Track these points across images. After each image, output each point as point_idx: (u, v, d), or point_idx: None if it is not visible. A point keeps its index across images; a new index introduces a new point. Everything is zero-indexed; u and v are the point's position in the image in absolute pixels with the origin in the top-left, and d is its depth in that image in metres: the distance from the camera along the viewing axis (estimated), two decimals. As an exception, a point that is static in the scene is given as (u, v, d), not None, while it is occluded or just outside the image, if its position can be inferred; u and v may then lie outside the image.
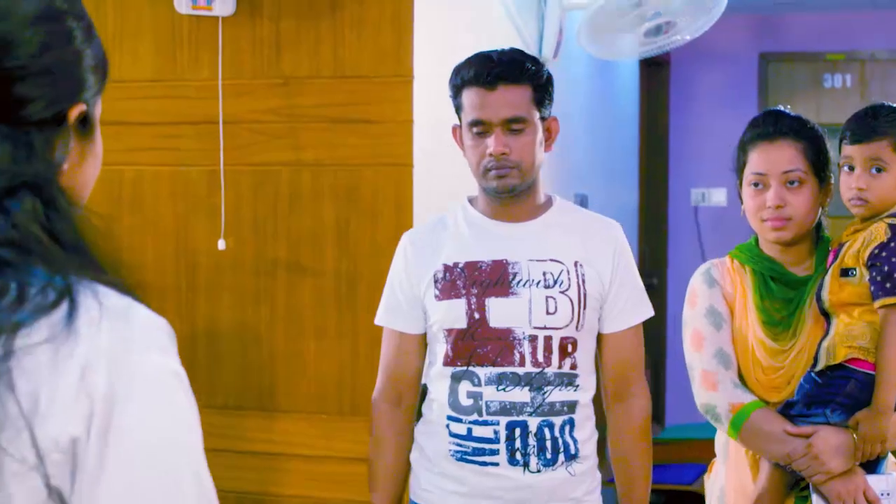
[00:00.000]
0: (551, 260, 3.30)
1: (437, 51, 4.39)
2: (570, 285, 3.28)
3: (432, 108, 4.31)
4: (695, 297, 3.45)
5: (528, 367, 3.25)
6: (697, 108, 9.46)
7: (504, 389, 3.24)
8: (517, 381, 3.24)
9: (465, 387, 3.29)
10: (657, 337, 8.66)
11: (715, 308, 3.40)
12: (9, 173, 1.37)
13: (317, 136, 4.30)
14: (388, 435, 3.47)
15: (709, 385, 3.35)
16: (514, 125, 3.24)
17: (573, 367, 3.29)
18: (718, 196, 9.23)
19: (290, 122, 4.32)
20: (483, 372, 3.26)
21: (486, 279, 3.28)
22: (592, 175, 7.14)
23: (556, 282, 3.28)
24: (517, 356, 3.25)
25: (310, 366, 4.34)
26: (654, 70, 9.14)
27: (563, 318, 3.26)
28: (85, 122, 1.48)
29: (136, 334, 1.40)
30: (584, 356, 3.32)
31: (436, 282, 3.33)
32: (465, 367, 3.29)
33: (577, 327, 3.28)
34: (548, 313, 3.25)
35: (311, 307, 4.32)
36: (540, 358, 3.25)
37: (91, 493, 1.30)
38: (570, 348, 3.28)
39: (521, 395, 3.24)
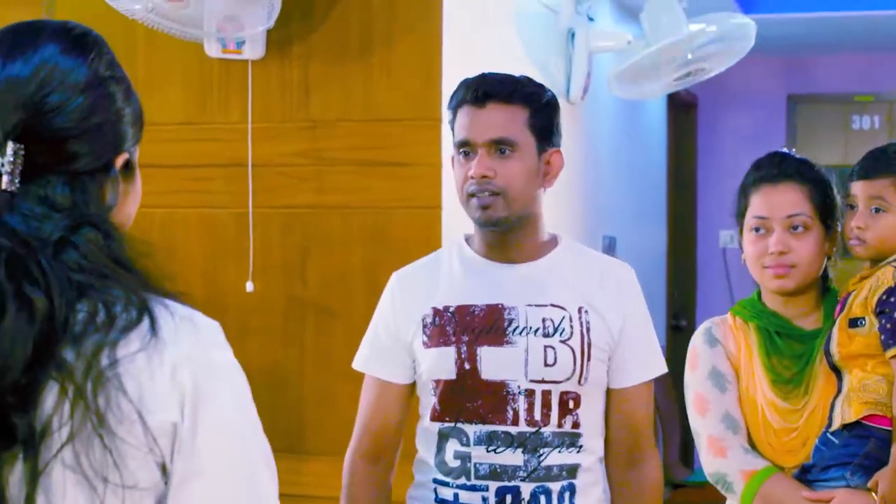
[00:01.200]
0: (552, 305, 2.96)
1: (465, 94, 4.39)
2: (572, 334, 2.93)
3: (461, 151, 4.31)
4: (696, 359, 3.21)
5: (522, 426, 2.90)
6: (725, 149, 9.46)
7: (495, 451, 2.90)
8: (509, 441, 2.90)
9: (452, 445, 2.95)
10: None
11: (718, 369, 3.17)
12: (72, 214, 1.67)
13: (345, 179, 4.31)
14: (362, 496, 3.13)
15: (717, 451, 3.11)
16: (501, 146, 2.90)
17: (575, 425, 2.94)
18: (747, 238, 9.20)
19: (318, 164, 4.34)
20: (472, 430, 2.92)
21: (479, 326, 2.94)
22: (620, 217, 7.14)
23: (556, 330, 2.93)
24: (510, 413, 2.91)
25: (339, 408, 4.34)
26: (682, 112, 9.14)
27: (564, 371, 2.92)
28: (127, 166, 1.81)
29: (203, 336, 1.72)
30: (590, 414, 2.98)
31: (424, 327, 3.00)
32: (452, 424, 2.95)
33: (579, 381, 2.94)
34: (546, 365, 2.91)
35: (340, 349, 4.32)
36: (536, 415, 2.91)
37: (187, 463, 1.64)
38: (571, 404, 2.94)
39: (513, 457, 2.90)
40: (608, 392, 3.04)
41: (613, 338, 2.98)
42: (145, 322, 1.64)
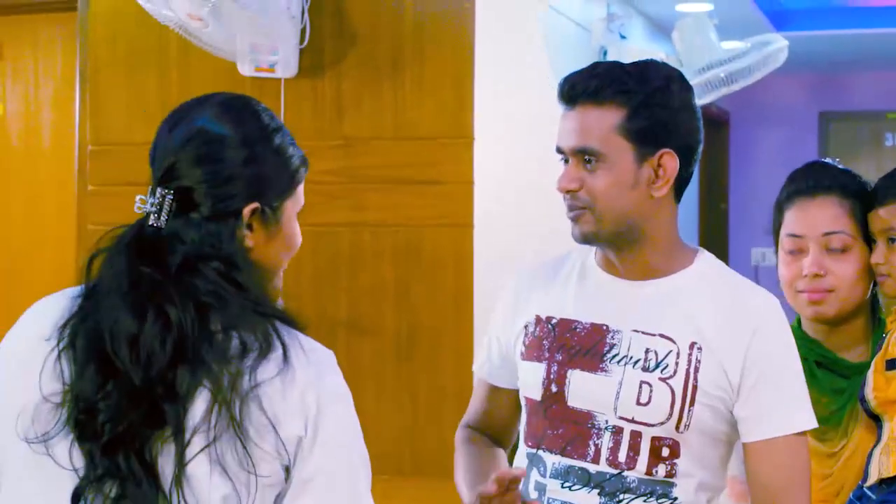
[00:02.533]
0: (661, 336, 2.52)
1: (497, 112, 4.40)
2: (675, 372, 2.49)
3: (493, 169, 4.32)
4: None
5: (603, 466, 2.51)
6: (757, 167, 9.44)
7: (570, 488, 2.54)
8: (585, 479, 2.53)
9: (534, 475, 2.61)
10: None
11: None
12: (198, 248, 2.04)
13: (377, 197, 4.31)
14: (470, 441, 2.84)
15: (738, 496, 2.76)
16: (585, 156, 2.50)
17: (670, 475, 2.50)
18: (779, 256, 9.19)
19: (351, 182, 4.34)
20: (551, 460, 2.57)
21: (577, 345, 2.57)
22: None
23: (657, 365, 2.50)
24: (591, 449, 2.53)
25: (370, 426, 4.29)
26: (714, 129, 9.13)
27: (657, 413, 2.49)
28: (264, 214, 2.13)
29: (323, 363, 2.12)
30: (695, 465, 2.52)
31: (525, 336, 2.66)
32: (535, 450, 2.61)
33: (677, 427, 2.48)
34: (639, 403, 2.50)
35: (371, 366, 4.32)
36: (620, 457, 2.50)
37: (307, 467, 2.01)
38: (665, 452, 2.50)
39: (587, 498, 2.53)
40: (744, 448, 2.55)
41: (731, 383, 2.50)
42: (279, 350, 2.03)
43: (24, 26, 5.30)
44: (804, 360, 2.64)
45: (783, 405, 2.50)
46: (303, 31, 4.33)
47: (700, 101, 5.71)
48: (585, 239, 2.55)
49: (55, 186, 5.16)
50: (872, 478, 2.58)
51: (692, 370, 2.49)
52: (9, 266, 5.12)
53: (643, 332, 2.53)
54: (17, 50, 5.33)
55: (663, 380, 2.49)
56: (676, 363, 2.49)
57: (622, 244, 2.55)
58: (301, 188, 2.26)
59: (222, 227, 2.08)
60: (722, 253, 9.31)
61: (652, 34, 6.82)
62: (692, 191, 8.60)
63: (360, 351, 4.34)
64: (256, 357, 2.00)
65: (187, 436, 1.95)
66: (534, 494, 2.59)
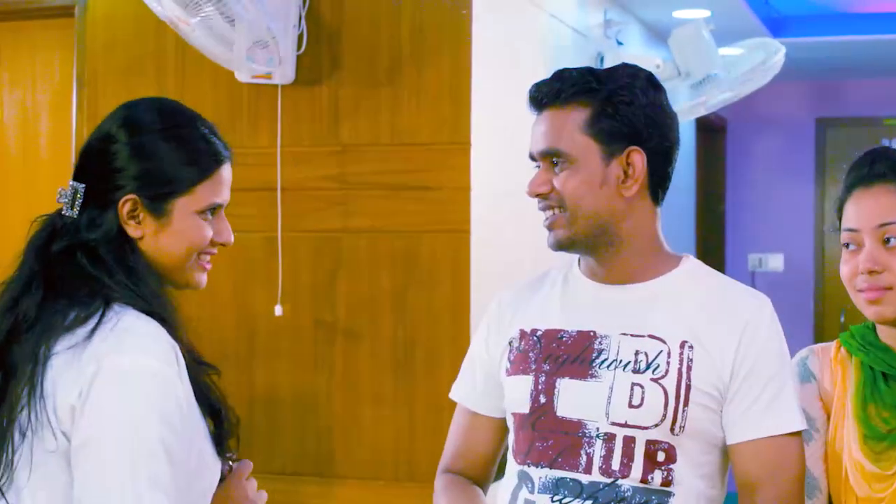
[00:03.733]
0: (650, 336, 2.44)
1: (494, 118, 4.41)
2: (667, 372, 2.41)
3: (490, 175, 4.32)
4: None
5: (595, 476, 2.40)
6: (754, 173, 9.45)
7: (560, 501, 2.42)
8: (577, 491, 2.41)
9: (522, 493, 2.49)
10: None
11: (805, 412, 2.49)
12: (74, 237, 2.22)
13: (374, 203, 4.32)
14: (451, 488, 2.68)
15: None
16: (552, 158, 2.48)
17: (666, 483, 2.39)
18: (776, 262, 9.20)
19: (347, 188, 4.34)
20: (538, 475, 2.45)
21: (565, 354, 2.48)
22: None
23: (649, 365, 2.42)
24: (583, 459, 2.42)
25: (367, 432, 4.34)
26: (711, 135, 9.13)
27: (651, 415, 2.39)
28: (150, 206, 2.22)
29: (129, 343, 2.09)
30: (692, 473, 2.42)
31: (510, 352, 2.58)
32: (522, 466, 2.49)
33: (672, 429, 2.39)
34: (631, 406, 2.40)
35: (369, 373, 4.33)
36: (614, 465, 2.40)
37: (76, 435, 2.06)
38: (660, 457, 2.40)
39: None
40: (729, 450, 2.46)
41: (724, 382, 2.42)
42: (90, 326, 2.10)
43: (22, 33, 5.30)
44: (869, 368, 2.50)
45: (769, 406, 2.42)
46: (300, 38, 4.34)
47: (699, 114, 5.75)
48: (560, 245, 2.50)
49: (53, 193, 5.13)
50: None
51: (685, 369, 2.41)
52: (7, 273, 5.10)
53: (632, 335, 2.46)
54: (14, 56, 5.33)
55: (655, 380, 2.41)
56: (668, 363, 2.41)
57: (599, 248, 2.50)
58: (211, 185, 2.28)
59: (101, 217, 2.21)
60: (719, 258, 9.32)
61: (649, 40, 6.83)
62: (689, 197, 8.60)
63: (357, 358, 4.34)
64: (65, 329, 2.12)
65: (5, 402, 2.13)
66: None
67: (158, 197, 2.22)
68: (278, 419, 4.43)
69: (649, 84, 2.51)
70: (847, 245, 2.51)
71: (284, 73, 4.31)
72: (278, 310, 4.37)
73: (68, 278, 2.18)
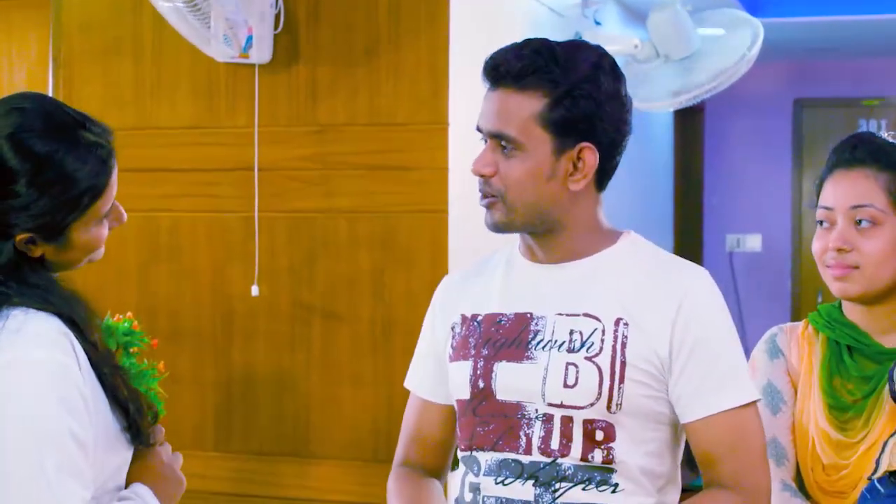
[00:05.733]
0: (585, 315, 2.40)
1: (472, 98, 4.39)
2: (601, 350, 2.37)
3: (468, 155, 4.29)
4: (753, 371, 2.67)
5: (535, 456, 2.39)
6: (732, 154, 9.47)
7: (503, 483, 2.41)
8: (519, 471, 2.40)
9: (468, 477, 2.48)
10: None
11: (774, 386, 2.65)
12: None
13: (352, 183, 4.31)
14: (404, 484, 2.65)
15: None
16: (501, 141, 2.41)
17: (607, 461, 2.37)
18: (753, 242, 9.22)
19: (325, 169, 4.34)
20: (484, 458, 2.44)
21: (503, 337, 2.45)
22: (626, 222, 7.09)
23: (583, 344, 2.38)
24: (522, 440, 2.40)
25: (345, 412, 4.34)
26: (689, 117, 9.14)
27: (586, 394, 2.36)
28: (54, 238, 2.20)
29: (18, 338, 2.09)
30: (634, 450, 2.39)
31: (453, 338, 2.56)
32: (468, 452, 2.48)
33: (609, 407, 2.36)
34: (566, 386, 2.37)
35: (347, 354, 4.33)
36: (553, 444, 2.38)
37: None
38: (599, 436, 2.37)
39: (522, 490, 2.40)
40: (686, 429, 2.43)
41: (660, 358, 2.38)
42: None
43: (-3, 13, 5.28)
44: (835, 343, 2.63)
45: (718, 380, 2.37)
46: (277, 17, 4.33)
47: (681, 106, 5.74)
48: (497, 228, 2.45)
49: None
50: (882, 469, 2.44)
51: (619, 346, 2.37)
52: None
53: (567, 315, 2.42)
54: (-10, 36, 5.31)
55: (589, 359, 2.37)
56: (602, 340, 2.37)
57: (538, 232, 2.46)
58: (105, 197, 2.24)
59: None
60: (696, 239, 9.34)
61: (627, 20, 6.83)
62: (667, 178, 8.62)
63: (335, 338, 4.34)
64: None
65: None
66: (469, 496, 2.47)
67: (54, 230, 2.21)
68: (256, 400, 4.43)
69: (612, 75, 2.43)
70: (821, 223, 2.64)
71: (261, 53, 4.30)
72: (255, 290, 4.37)
73: None
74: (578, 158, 2.40)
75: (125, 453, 2.25)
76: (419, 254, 4.24)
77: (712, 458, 2.38)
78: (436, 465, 2.66)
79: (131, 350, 3.67)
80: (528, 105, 2.37)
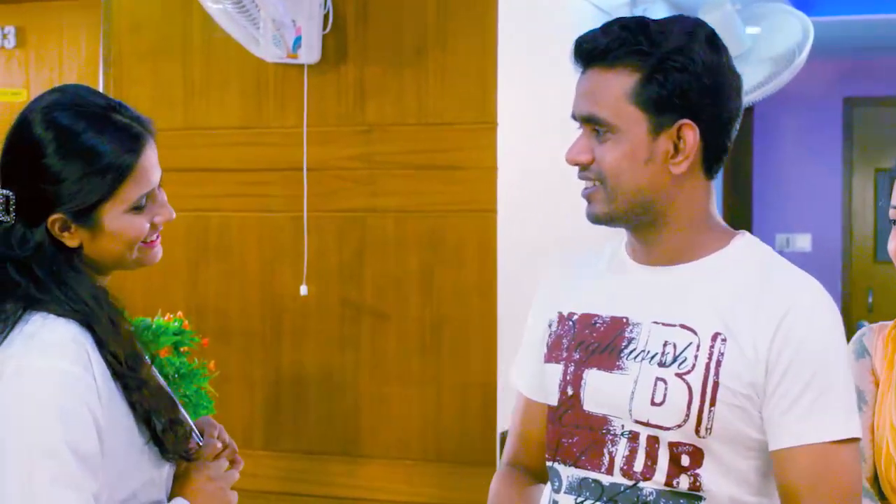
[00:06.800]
0: (681, 326, 2.19)
1: (520, 97, 4.40)
2: (693, 367, 2.15)
3: (516, 154, 4.31)
4: None
5: (617, 477, 2.20)
6: (781, 153, 9.42)
7: (582, 503, 2.23)
8: (598, 493, 2.22)
9: (548, 492, 2.33)
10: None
11: (857, 386, 2.40)
12: (7, 244, 2.20)
13: (401, 183, 4.31)
14: (505, 490, 2.47)
15: None
16: (594, 126, 2.20)
17: (695, 487, 2.16)
18: (803, 242, 9.17)
19: (374, 168, 4.34)
20: (565, 473, 2.27)
21: (596, 342, 2.26)
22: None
23: (675, 359, 2.17)
24: (605, 458, 2.21)
25: (394, 411, 4.34)
26: (738, 115, 9.09)
27: (673, 415, 2.15)
28: (85, 221, 2.20)
29: (31, 345, 2.10)
30: (723, 478, 2.17)
31: (549, 336, 2.37)
32: (551, 463, 2.31)
33: (697, 430, 2.14)
34: (653, 403, 2.17)
35: (395, 353, 4.33)
36: (636, 466, 2.18)
37: None
38: (685, 460, 2.15)
39: None
40: (772, 456, 2.18)
41: (759, 379, 2.14)
42: (4, 331, 2.13)
43: (49, 13, 5.31)
44: None
45: (809, 407, 2.12)
46: (326, 17, 4.33)
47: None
48: (597, 219, 2.25)
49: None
50: None
51: (713, 364, 2.14)
52: None
53: (663, 324, 2.20)
54: (41, 37, 5.34)
55: (680, 375, 2.15)
56: (696, 357, 2.15)
57: (640, 226, 2.25)
58: (135, 180, 2.22)
59: (31, 233, 2.21)
60: (746, 239, 9.29)
61: (675, 19, 6.80)
62: (717, 179, 8.57)
63: (384, 338, 4.34)
64: None
65: None
66: None
67: (84, 211, 2.20)
68: (305, 399, 4.44)
69: (709, 45, 2.21)
70: (893, 222, 2.48)
71: (310, 53, 4.31)
72: (304, 289, 4.38)
73: None
74: (679, 138, 2.19)
75: (155, 468, 2.23)
76: (467, 253, 4.24)
77: (791, 495, 2.14)
78: (543, 466, 2.40)
79: (182, 349, 3.69)
80: (617, 83, 2.17)
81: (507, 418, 4.17)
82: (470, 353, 4.18)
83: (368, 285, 4.37)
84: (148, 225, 2.26)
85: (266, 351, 4.48)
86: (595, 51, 2.19)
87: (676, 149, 2.19)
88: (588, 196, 2.23)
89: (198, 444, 2.35)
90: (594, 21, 5.32)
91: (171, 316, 3.76)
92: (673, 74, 2.15)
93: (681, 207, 2.25)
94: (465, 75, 4.24)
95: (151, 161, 2.24)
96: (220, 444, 2.38)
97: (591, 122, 2.19)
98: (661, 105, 2.16)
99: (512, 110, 4.29)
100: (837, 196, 9.37)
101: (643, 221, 2.24)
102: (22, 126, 2.21)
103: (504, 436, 4.07)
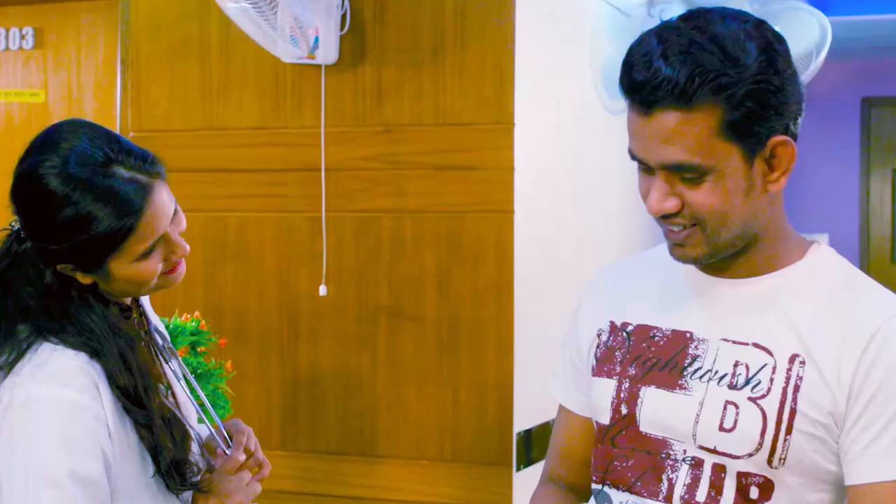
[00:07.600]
0: (754, 345, 2.03)
1: (538, 97, 4.39)
2: (769, 390, 1.99)
3: (534, 155, 4.31)
4: None
5: None
6: (800, 154, 9.37)
7: None
8: None
9: None
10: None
11: None
12: (19, 276, 2.24)
13: (418, 183, 4.31)
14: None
15: None
16: (682, 174, 1.99)
17: None
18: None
19: (391, 169, 4.34)
20: (617, 499, 2.12)
21: (655, 357, 2.11)
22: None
23: (748, 381, 2.01)
24: (664, 485, 2.06)
25: (411, 412, 4.34)
26: (755, 115, 9.08)
27: (744, 442, 1.99)
28: (93, 270, 2.21)
29: (39, 374, 2.11)
30: None
31: (598, 346, 2.22)
32: (600, 486, 2.16)
33: (770, 461, 1.98)
34: (721, 429, 2.00)
35: (413, 354, 4.33)
36: (699, 496, 2.02)
37: None
38: (754, 493, 2.00)
39: None
40: (848, 491, 2.02)
41: (839, 408, 1.97)
42: (12, 359, 2.15)
43: (67, 14, 5.32)
44: None
45: (893, 442, 1.95)
46: (343, 17, 4.33)
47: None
48: (694, 261, 2.08)
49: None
50: None
51: (790, 389, 1.98)
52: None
53: (733, 342, 2.05)
54: (59, 38, 5.35)
55: (753, 400, 1.99)
56: (772, 380, 1.99)
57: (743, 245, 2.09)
58: (139, 235, 2.21)
59: (41, 274, 2.23)
60: (763, 239, 9.28)
61: (693, 20, 6.78)
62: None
63: (401, 338, 4.34)
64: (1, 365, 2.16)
65: None
66: None
67: (91, 264, 2.22)
68: (322, 399, 4.44)
69: (780, 43, 2.02)
70: None
71: (328, 53, 4.31)
72: (322, 290, 4.38)
73: (11, 313, 2.21)
74: (773, 156, 2.04)
75: (165, 499, 2.25)
76: (485, 254, 4.24)
77: None
78: (584, 483, 2.28)
79: (199, 349, 3.70)
80: (702, 123, 1.94)
81: (523, 419, 4.18)
82: (487, 354, 4.17)
83: (385, 285, 4.37)
84: (160, 265, 2.26)
85: (283, 351, 4.48)
86: (669, 92, 1.93)
87: (770, 167, 2.05)
88: (684, 240, 2.05)
89: (224, 451, 2.36)
90: (612, 22, 5.32)
91: (189, 316, 3.76)
92: (766, 98, 1.97)
93: (771, 220, 2.11)
94: (483, 76, 4.24)
95: (158, 209, 2.20)
96: (242, 457, 2.40)
97: (679, 171, 1.98)
98: (750, 130, 1.98)
99: (529, 111, 4.29)
100: (855, 197, 9.35)
101: (737, 245, 2.07)
102: (20, 182, 2.21)
103: (521, 436, 4.07)
